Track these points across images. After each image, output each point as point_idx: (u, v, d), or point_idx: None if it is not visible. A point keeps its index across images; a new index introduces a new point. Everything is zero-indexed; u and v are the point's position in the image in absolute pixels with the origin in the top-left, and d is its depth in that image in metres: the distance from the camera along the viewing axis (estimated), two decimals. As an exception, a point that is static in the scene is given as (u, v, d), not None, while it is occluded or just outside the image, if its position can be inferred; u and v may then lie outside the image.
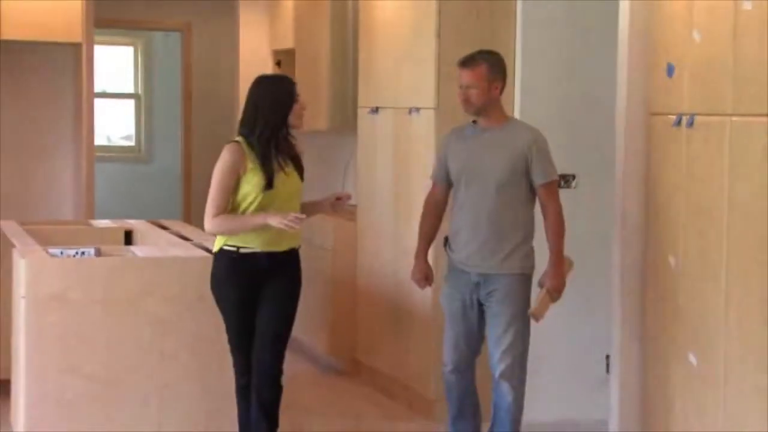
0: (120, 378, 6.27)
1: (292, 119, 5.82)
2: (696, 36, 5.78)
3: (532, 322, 5.97)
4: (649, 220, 6.18)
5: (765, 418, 5.30)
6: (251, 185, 5.72)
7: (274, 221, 5.63)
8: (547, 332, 7.17)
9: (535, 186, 5.81)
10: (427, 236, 6.09)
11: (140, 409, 6.21)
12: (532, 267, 5.94)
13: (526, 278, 5.88)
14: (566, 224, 7.13)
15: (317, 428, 7.13)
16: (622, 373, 6.31)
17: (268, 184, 5.73)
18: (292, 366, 8.63)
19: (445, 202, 6.02)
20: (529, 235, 5.91)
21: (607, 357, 6.54)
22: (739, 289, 5.50)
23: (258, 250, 5.75)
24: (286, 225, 5.59)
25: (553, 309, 7.02)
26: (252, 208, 5.75)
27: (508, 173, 5.75)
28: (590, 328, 7.10)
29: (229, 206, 5.77)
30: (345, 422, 7.29)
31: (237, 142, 5.81)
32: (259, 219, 5.70)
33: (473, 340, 5.94)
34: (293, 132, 5.94)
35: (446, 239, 5.99)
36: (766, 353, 5.31)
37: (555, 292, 5.81)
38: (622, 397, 6.29)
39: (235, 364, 5.94)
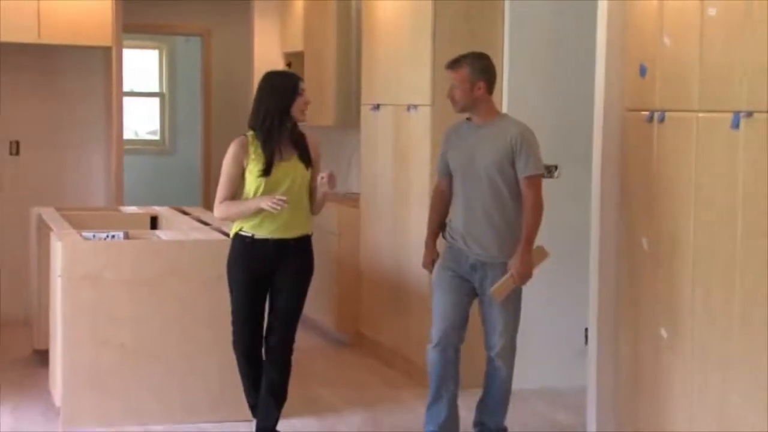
0: (146, 349, 6.30)
1: (295, 112, 5.74)
2: (666, 40, 5.78)
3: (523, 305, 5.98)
4: (624, 207, 6.19)
5: (727, 384, 5.33)
6: (253, 175, 5.68)
7: (263, 204, 5.60)
8: (532, 308, 7.16)
9: (519, 178, 5.72)
10: (434, 225, 6.02)
11: (165, 378, 6.24)
12: None
13: None
14: (549, 210, 7.12)
15: (326, 395, 7.13)
16: (599, 345, 6.31)
17: (265, 171, 5.68)
18: (302, 340, 8.65)
19: (450, 193, 5.95)
20: (517, 226, 5.80)
21: (586, 330, 6.53)
22: (704, 269, 5.52)
23: (269, 237, 5.72)
24: (270, 206, 5.55)
25: (537, 287, 7.06)
26: (257, 195, 5.70)
27: (498, 166, 5.68)
28: (571, 303, 7.11)
29: (238, 195, 5.79)
30: (350, 389, 7.29)
31: (244, 135, 5.77)
32: (253, 203, 5.68)
33: (460, 312, 5.82)
34: (304, 126, 5.91)
35: (444, 225, 5.95)
36: (729, 326, 5.35)
37: (519, 277, 5.69)
38: (599, 366, 6.29)
39: (239, 340, 5.87)
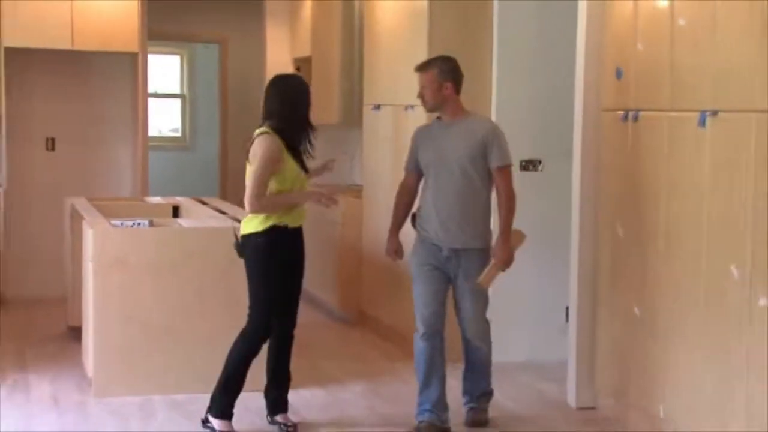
0: (168, 327, 6.29)
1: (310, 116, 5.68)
2: (640, 45, 5.78)
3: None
4: (601, 197, 6.19)
5: (693, 358, 5.36)
6: (290, 172, 5.53)
7: (314, 199, 5.59)
8: (517, 288, 7.18)
9: (492, 169, 5.60)
10: (399, 218, 5.88)
11: (184, 352, 6.23)
12: (491, 240, 5.76)
13: (487, 252, 5.69)
14: (534, 201, 7.16)
15: (330, 367, 7.12)
16: (578, 322, 6.32)
17: (306, 170, 5.65)
18: (309, 317, 8.72)
19: (416, 189, 5.84)
20: (488, 213, 5.73)
21: (567, 308, 6.53)
22: (674, 254, 5.54)
23: (298, 225, 5.64)
24: (324, 202, 5.58)
25: (523, 269, 7.06)
26: (292, 190, 5.58)
27: (470, 159, 5.56)
28: (553, 284, 7.09)
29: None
30: (353, 362, 7.29)
31: (268, 133, 5.53)
32: (301, 197, 5.62)
33: (440, 300, 5.70)
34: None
35: (413, 217, 5.81)
36: (695, 306, 5.36)
37: (502, 264, 5.62)
38: (579, 341, 6.30)
39: (262, 327, 5.63)
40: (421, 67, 5.67)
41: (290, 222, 5.58)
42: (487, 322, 5.81)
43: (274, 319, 5.68)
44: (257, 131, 5.61)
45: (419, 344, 5.71)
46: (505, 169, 5.62)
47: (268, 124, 5.59)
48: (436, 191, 5.63)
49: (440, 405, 5.69)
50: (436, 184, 5.63)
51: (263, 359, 5.79)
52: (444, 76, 5.59)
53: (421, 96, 5.67)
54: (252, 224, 5.56)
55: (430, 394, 5.68)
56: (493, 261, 5.58)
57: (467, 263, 5.62)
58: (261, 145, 5.50)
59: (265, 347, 5.75)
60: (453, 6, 7.20)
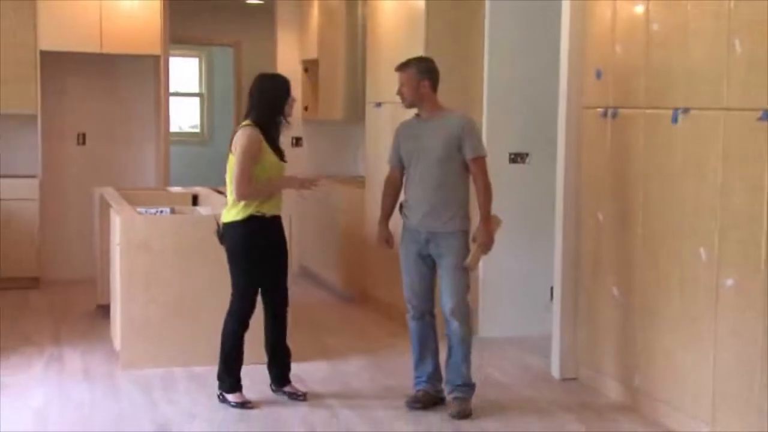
0: (187, 307, 6.29)
1: (287, 109, 5.64)
2: (618, 49, 5.78)
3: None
4: (582, 187, 6.19)
5: (665, 330, 5.36)
6: (268, 161, 5.54)
7: (294, 185, 5.65)
8: (506, 270, 7.21)
9: (467, 160, 5.46)
10: (387, 209, 5.79)
11: (202, 328, 6.21)
12: (469, 225, 5.64)
13: (464, 234, 5.55)
14: (522, 190, 7.18)
15: (334, 342, 7.13)
16: (562, 301, 6.32)
17: (282, 158, 5.63)
18: (315, 296, 8.74)
19: (401, 182, 5.72)
20: (465, 200, 5.57)
21: (551, 288, 6.53)
22: (650, 239, 5.54)
23: (273, 213, 5.61)
24: (308, 186, 5.63)
25: (512, 252, 7.09)
26: (270, 178, 5.57)
27: (446, 152, 5.44)
28: (539, 266, 7.07)
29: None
30: (355, 337, 7.30)
31: (250, 125, 5.56)
32: (283, 183, 5.65)
33: (425, 284, 5.63)
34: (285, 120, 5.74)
35: (401, 206, 5.73)
36: (669, 286, 5.36)
37: (485, 247, 5.47)
38: (562, 318, 6.31)
39: (245, 306, 5.64)
40: (400, 67, 5.60)
41: (267, 211, 5.58)
42: (466, 304, 5.61)
43: (266, 298, 5.71)
44: (241, 124, 5.65)
45: (411, 324, 5.70)
46: (479, 160, 5.49)
47: (250, 117, 5.62)
48: (416, 182, 5.55)
49: (435, 376, 5.67)
50: (416, 175, 5.55)
51: (260, 334, 5.80)
52: (421, 75, 5.50)
53: (400, 93, 5.59)
54: (231, 213, 5.57)
55: (426, 368, 5.66)
56: (477, 244, 5.50)
57: (445, 246, 5.50)
58: (242, 136, 5.54)
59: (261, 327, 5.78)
60: (447, 12, 7.19)
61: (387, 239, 5.79)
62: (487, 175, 5.51)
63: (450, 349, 5.59)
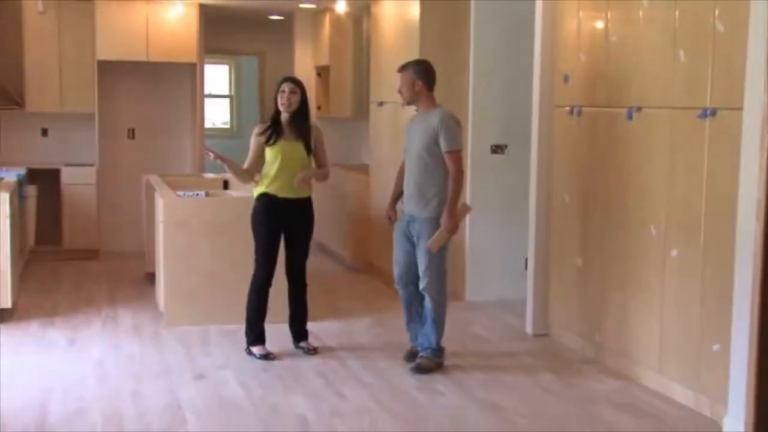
0: (219, 274, 6.30)
1: (279, 105, 5.55)
2: (582, 57, 5.77)
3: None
4: (552, 174, 6.18)
5: (620, 294, 5.37)
6: (267, 149, 5.57)
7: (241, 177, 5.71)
8: (489, 244, 7.20)
9: (443, 153, 5.26)
10: (394, 193, 5.66)
11: (232, 292, 6.19)
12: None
13: (438, 220, 5.32)
14: (501, 176, 7.15)
15: (345, 305, 7.12)
16: (534, 270, 6.33)
17: (268, 141, 5.56)
18: (329, 267, 8.75)
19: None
20: (442, 189, 5.31)
21: (526, 259, 6.54)
22: (608, 217, 5.55)
23: (284, 195, 5.54)
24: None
25: (493, 230, 7.10)
26: (273, 167, 5.53)
27: (425, 146, 5.28)
28: (516, 241, 7.03)
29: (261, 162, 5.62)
30: (362, 302, 7.30)
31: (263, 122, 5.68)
32: (235, 175, 5.72)
33: (408, 259, 5.44)
34: (315, 122, 5.71)
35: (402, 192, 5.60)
36: (623, 257, 5.37)
37: (448, 230, 5.26)
38: (535, 284, 6.31)
39: (261, 272, 5.59)
40: (400, 69, 5.51)
41: (274, 191, 5.55)
42: (438, 278, 5.37)
43: (287, 268, 5.67)
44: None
45: (398, 291, 5.61)
46: (452, 153, 5.25)
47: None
48: (406, 172, 5.46)
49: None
50: (407, 165, 5.46)
51: (283, 297, 5.78)
52: (416, 76, 5.40)
53: (399, 92, 5.50)
54: (255, 192, 5.67)
55: (415, 328, 5.61)
56: (442, 228, 5.29)
57: (420, 228, 5.36)
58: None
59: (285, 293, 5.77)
60: (438, 25, 7.17)
61: (389, 216, 5.70)
62: (459, 167, 5.28)
63: (423, 318, 5.48)
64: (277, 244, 5.64)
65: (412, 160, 5.40)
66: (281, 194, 5.57)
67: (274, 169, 5.55)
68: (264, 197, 5.60)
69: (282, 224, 5.62)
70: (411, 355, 5.58)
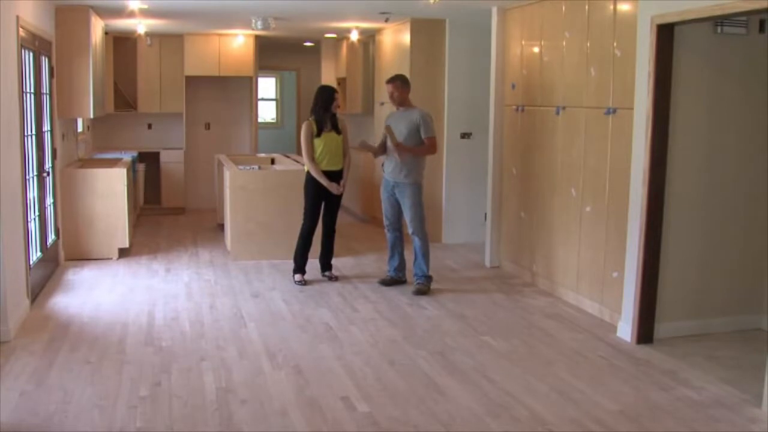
0: (269, 224, 6.27)
1: (333, 107, 5.46)
2: (524, 71, 5.74)
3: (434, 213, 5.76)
4: (504, 153, 6.15)
5: (550, 238, 5.37)
6: (316, 140, 5.46)
7: (325, 183, 5.42)
8: (460, 202, 7.18)
9: (423, 138, 5.22)
10: (379, 147, 5.44)
11: (281, 238, 6.19)
12: (421, 180, 5.33)
13: (416, 185, 5.28)
14: (467, 157, 7.07)
15: (356, 246, 7.10)
16: (492, 221, 6.30)
17: (317, 134, 5.45)
18: (346, 220, 8.70)
19: (385, 147, 5.38)
20: (418, 164, 5.28)
21: (485, 213, 6.53)
22: (542, 182, 5.53)
23: (327, 169, 5.44)
24: (328, 186, 5.42)
25: (463, 192, 7.03)
26: (319, 150, 5.44)
27: (409, 133, 5.23)
28: (479, 199, 7.05)
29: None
30: (369, 244, 7.26)
31: (309, 120, 5.48)
32: (322, 180, 5.43)
33: (394, 211, 5.38)
34: (340, 114, 5.59)
35: (383, 164, 5.43)
36: (552, 211, 5.38)
37: (397, 146, 5.20)
38: (491, 230, 6.29)
39: (308, 224, 5.51)
40: (390, 81, 5.39)
41: (323, 167, 5.46)
42: (421, 224, 5.30)
43: (324, 221, 5.58)
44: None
45: (387, 234, 5.51)
46: (430, 138, 5.24)
47: (311, 113, 5.54)
48: (391, 150, 5.33)
49: (399, 267, 5.53)
50: (391, 146, 5.33)
51: (318, 244, 5.71)
52: (404, 85, 5.35)
53: (391, 96, 5.36)
54: (306, 168, 5.55)
55: (393, 262, 5.54)
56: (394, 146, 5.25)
57: (404, 191, 5.31)
58: (303, 127, 5.49)
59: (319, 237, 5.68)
60: (423, 50, 7.09)
61: (366, 146, 5.50)
62: (434, 146, 5.26)
63: (415, 254, 5.40)
64: (320, 204, 5.56)
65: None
66: (327, 168, 5.48)
67: (319, 152, 5.49)
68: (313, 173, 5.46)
69: (325, 189, 5.51)
70: (385, 281, 5.52)
